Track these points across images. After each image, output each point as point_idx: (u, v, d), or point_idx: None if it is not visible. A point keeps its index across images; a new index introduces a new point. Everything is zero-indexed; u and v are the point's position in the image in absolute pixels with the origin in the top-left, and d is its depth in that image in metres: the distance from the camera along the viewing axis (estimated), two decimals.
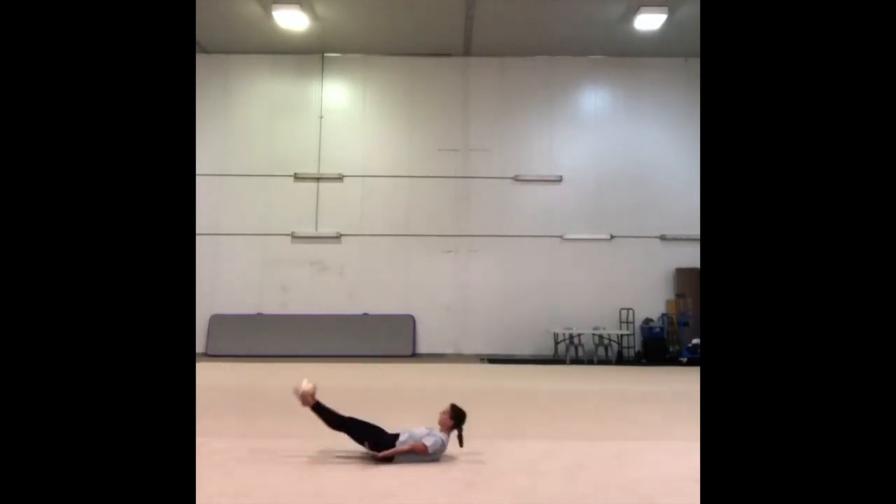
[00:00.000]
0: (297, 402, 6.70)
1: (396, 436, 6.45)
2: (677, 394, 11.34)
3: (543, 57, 19.81)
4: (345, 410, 6.70)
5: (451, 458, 6.48)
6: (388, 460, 6.30)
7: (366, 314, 18.69)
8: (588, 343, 17.84)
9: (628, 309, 18.56)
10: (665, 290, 19.00)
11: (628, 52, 19.46)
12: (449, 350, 18.63)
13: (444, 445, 6.48)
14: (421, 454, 6.31)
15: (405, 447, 6.32)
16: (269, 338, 18.12)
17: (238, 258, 18.99)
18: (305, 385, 6.58)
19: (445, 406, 6.73)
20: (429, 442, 6.34)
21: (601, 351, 17.78)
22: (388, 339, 18.28)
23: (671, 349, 17.93)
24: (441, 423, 6.60)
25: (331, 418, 6.59)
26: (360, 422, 6.57)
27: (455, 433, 6.62)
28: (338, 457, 6.55)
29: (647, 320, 18.44)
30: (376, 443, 6.40)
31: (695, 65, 19.01)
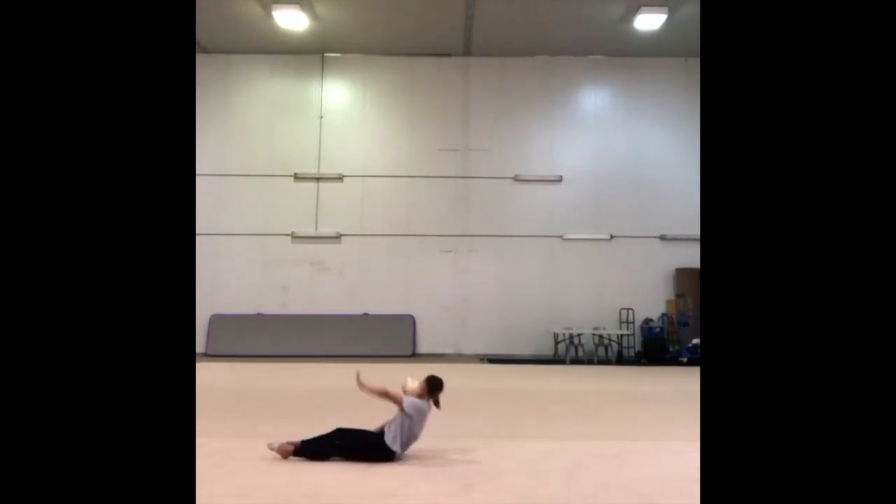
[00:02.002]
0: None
1: (383, 431, 6.56)
2: (677, 394, 11.34)
3: (543, 57, 19.81)
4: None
5: (451, 459, 6.49)
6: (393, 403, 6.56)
7: (366, 314, 18.69)
8: (588, 343, 17.84)
9: (628, 309, 18.57)
10: (665, 290, 19.00)
11: (628, 52, 19.46)
12: (449, 350, 18.62)
13: (420, 411, 6.58)
14: (396, 403, 6.51)
15: (382, 389, 6.58)
16: (269, 338, 18.12)
17: (238, 258, 18.99)
18: (279, 445, 6.57)
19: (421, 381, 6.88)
20: (406, 402, 6.49)
21: (601, 351, 17.78)
22: (388, 340, 18.28)
23: (671, 349, 17.93)
24: (415, 392, 6.74)
25: (319, 452, 6.56)
26: (349, 435, 6.64)
27: (433, 400, 6.80)
28: (338, 457, 6.55)
29: (647, 320, 18.44)
30: (367, 444, 6.51)
31: (695, 65, 19.02)
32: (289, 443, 6.55)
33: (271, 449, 6.53)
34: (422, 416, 6.61)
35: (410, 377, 6.91)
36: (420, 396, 6.69)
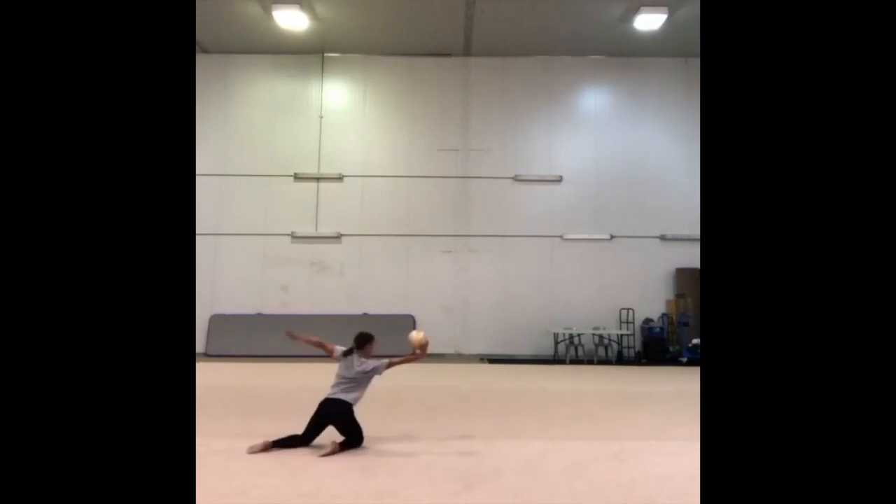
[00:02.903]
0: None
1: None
2: (677, 394, 11.34)
3: (543, 57, 19.81)
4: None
5: (452, 458, 6.48)
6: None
7: (365, 314, 18.68)
8: (588, 343, 17.83)
9: (628, 309, 18.56)
10: (665, 289, 18.99)
11: (628, 52, 19.46)
12: (449, 350, 18.59)
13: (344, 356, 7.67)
14: (327, 350, 7.84)
15: (317, 339, 8.09)
16: (269, 338, 18.08)
17: (238, 258, 18.99)
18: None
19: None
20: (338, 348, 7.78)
21: (601, 351, 17.77)
22: (388, 340, 18.19)
23: (671, 349, 17.93)
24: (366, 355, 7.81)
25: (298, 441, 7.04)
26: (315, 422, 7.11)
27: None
28: (337, 456, 6.56)
29: (647, 320, 18.44)
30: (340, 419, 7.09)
31: (695, 65, 19.06)
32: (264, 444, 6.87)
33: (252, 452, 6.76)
34: (362, 371, 7.55)
35: (415, 331, 7.99)
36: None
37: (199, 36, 18.38)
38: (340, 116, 19.77)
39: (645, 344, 18.05)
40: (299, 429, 7.05)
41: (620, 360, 17.78)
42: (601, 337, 17.80)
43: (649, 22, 17.28)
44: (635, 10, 16.75)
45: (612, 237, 19.17)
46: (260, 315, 18.65)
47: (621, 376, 14.27)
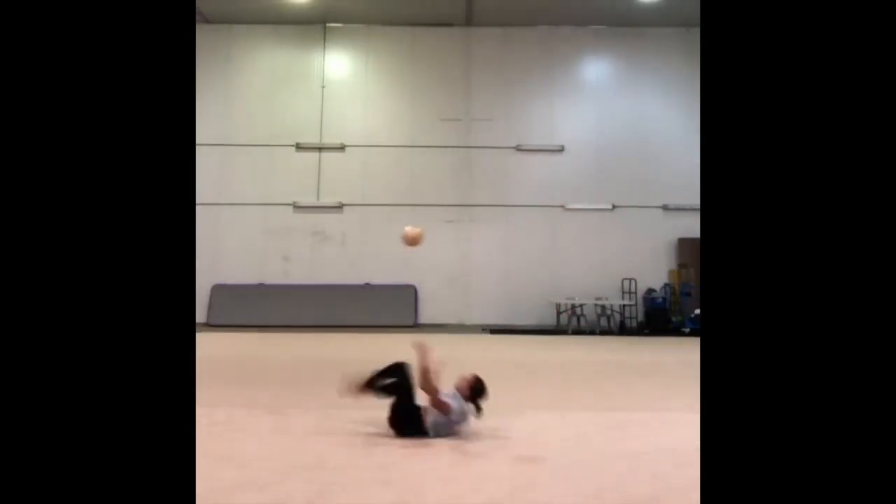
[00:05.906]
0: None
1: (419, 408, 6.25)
2: (680, 364, 11.34)
3: (545, 27, 19.69)
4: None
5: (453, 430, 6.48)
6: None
7: (367, 284, 18.70)
8: (590, 313, 17.85)
9: (630, 279, 18.57)
10: (667, 260, 19.00)
11: (630, 22, 19.35)
12: (451, 320, 18.65)
13: (464, 413, 6.25)
14: (443, 412, 6.13)
15: (430, 373, 6.19)
16: (271, 307, 18.16)
17: (240, 228, 19.00)
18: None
19: (468, 374, 6.55)
20: (454, 404, 6.15)
21: (603, 321, 17.80)
22: (390, 310, 18.30)
23: (674, 319, 17.94)
24: (459, 388, 6.41)
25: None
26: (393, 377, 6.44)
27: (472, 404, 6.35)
28: (338, 427, 6.55)
29: (650, 290, 18.44)
30: (401, 410, 6.26)
31: (696, 34, 18.91)
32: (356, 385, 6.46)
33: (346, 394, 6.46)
34: (463, 420, 6.29)
35: (410, 226, 7.08)
36: (461, 394, 6.38)
37: (201, 6, 18.26)
38: (342, 86, 19.72)
39: (647, 314, 18.05)
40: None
41: (623, 330, 17.79)
42: (603, 307, 17.82)
43: None
44: None
45: (613, 207, 19.14)
46: (262, 285, 18.67)
47: (624, 347, 14.30)
